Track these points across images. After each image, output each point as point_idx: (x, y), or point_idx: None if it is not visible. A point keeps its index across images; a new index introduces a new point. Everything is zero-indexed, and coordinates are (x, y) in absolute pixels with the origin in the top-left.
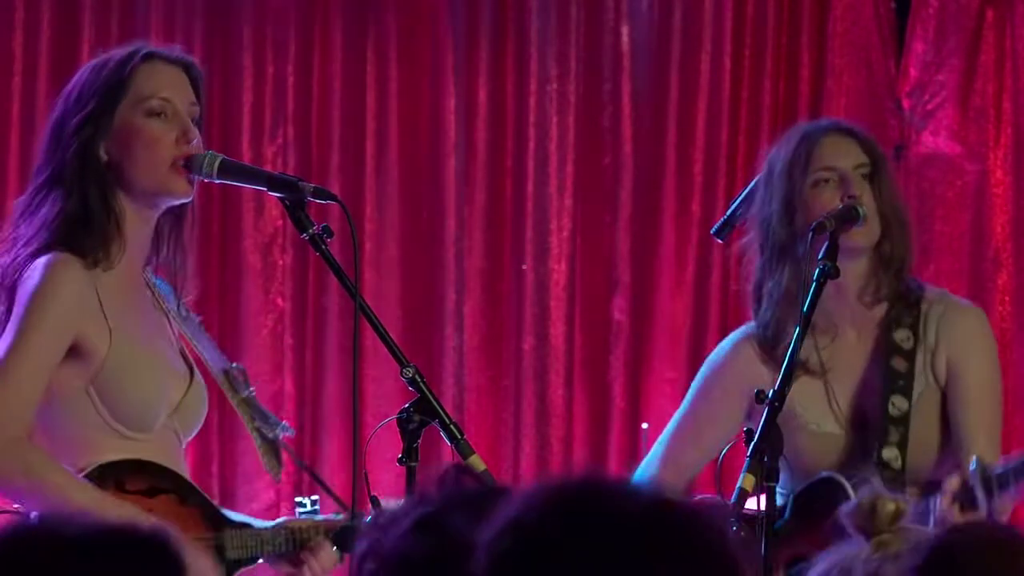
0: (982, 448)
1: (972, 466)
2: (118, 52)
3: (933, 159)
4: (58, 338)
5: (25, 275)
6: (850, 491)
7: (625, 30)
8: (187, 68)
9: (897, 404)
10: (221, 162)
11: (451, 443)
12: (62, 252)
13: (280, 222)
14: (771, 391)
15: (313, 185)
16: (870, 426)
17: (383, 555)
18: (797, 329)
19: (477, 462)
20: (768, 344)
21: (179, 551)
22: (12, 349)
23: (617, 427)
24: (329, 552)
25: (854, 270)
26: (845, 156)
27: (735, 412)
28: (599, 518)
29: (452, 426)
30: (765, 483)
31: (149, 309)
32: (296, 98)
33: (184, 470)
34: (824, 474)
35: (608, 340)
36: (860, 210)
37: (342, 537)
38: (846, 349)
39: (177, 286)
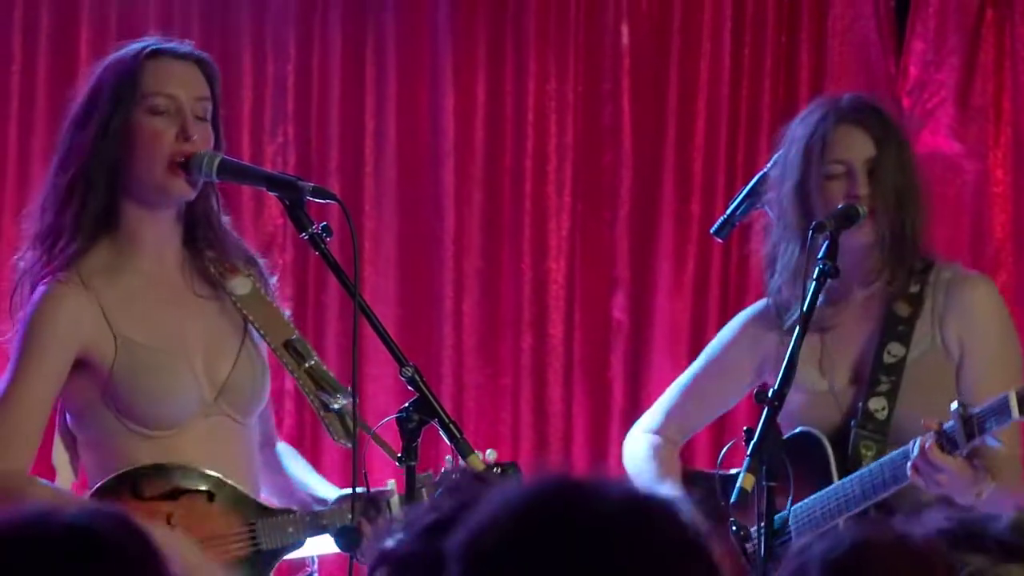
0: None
1: (953, 407)
2: (130, 49)
3: (933, 158)
4: (56, 365)
5: (27, 307)
6: (825, 444)
7: (625, 29)
8: (199, 63)
9: (893, 351)
10: (220, 162)
11: (450, 442)
12: (58, 276)
13: (280, 221)
14: (770, 391)
15: (312, 184)
16: (861, 380)
17: (391, 560)
18: (797, 331)
19: (476, 461)
20: (778, 313)
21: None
22: (11, 385)
23: (616, 426)
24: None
25: (862, 262)
26: (855, 149)
27: (744, 374)
28: (573, 517)
29: (451, 425)
30: (764, 483)
31: (182, 303)
32: (296, 97)
33: (238, 456)
34: (800, 429)
35: (607, 339)
36: (860, 210)
37: (344, 536)
38: (851, 309)
39: (227, 269)
